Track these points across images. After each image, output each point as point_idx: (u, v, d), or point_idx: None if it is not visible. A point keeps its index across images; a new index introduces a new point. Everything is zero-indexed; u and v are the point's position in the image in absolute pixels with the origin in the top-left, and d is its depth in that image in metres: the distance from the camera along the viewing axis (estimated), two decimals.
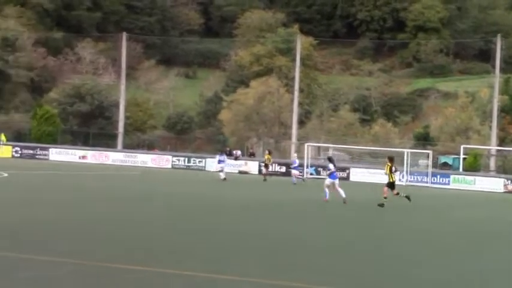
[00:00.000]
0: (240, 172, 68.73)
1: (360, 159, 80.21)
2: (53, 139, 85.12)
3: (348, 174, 66.04)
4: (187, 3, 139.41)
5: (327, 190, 35.22)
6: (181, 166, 70.62)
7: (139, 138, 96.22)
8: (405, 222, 28.80)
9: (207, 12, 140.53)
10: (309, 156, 66.03)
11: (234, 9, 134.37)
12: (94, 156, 75.18)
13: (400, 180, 63.47)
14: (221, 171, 54.44)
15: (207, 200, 34.20)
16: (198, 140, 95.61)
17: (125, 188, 40.23)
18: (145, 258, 15.68)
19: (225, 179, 52.16)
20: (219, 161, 56.18)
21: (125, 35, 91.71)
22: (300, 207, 33.20)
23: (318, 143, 79.07)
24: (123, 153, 76.84)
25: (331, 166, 35.88)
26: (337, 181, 35.50)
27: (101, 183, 43.07)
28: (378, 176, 64.85)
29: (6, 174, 44.98)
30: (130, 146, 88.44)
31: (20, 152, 76.70)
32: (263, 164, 59.75)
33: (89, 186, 39.83)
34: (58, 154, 76.07)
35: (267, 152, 60.41)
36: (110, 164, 71.75)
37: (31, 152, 76.67)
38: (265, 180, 55.09)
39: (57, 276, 13.26)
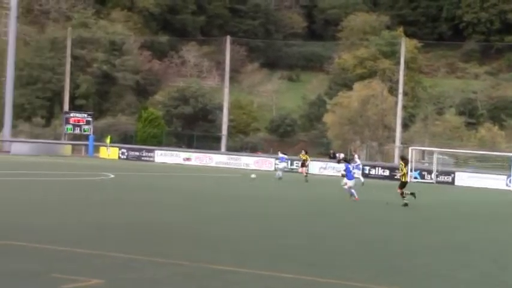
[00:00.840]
0: (343, 175, 68.27)
1: (466, 163, 78.75)
2: (158, 141, 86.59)
3: (453, 178, 65.03)
4: (291, 7, 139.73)
5: (353, 191, 36.58)
6: (284, 169, 70.64)
7: (242, 141, 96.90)
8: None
9: (311, 15, 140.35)
10: (413, 160, 65.23)
11: (337, 12, 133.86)
12: (198, 158, 76.10)
13: (507, 185, 62.28)
14: (282, 170, 55.04)
15: (305, 203, 34.18)
16: (301, 143, 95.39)
17: (227, 190, 40.51)
18: (244, 260, 15.73)
19: (280, 178, 53.20)
20: (281, 159, 56.37)
21: (228, 39, 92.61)
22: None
23: (422, 146, 78.02)
24: (227, 156, 77.65)
25: (351, 166, 38.22)
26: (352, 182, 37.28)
27: (203, 185, 43.50)
28: (485, 180, 63.78)
29: (112, 176, 45.95)
30: (233, 148, 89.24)
31: (126, 153, 78.30)
32: (300, 163, 57.67)
33: (191, 188, 40.28)
34: (163, 156, 77.31)
35: (303, 151, 58.14)
36: (213, 166, 72.52)
37: (137, 153, 78.18)
38: (306, 180, 52.82)
39: (160, 278, 13.38)
